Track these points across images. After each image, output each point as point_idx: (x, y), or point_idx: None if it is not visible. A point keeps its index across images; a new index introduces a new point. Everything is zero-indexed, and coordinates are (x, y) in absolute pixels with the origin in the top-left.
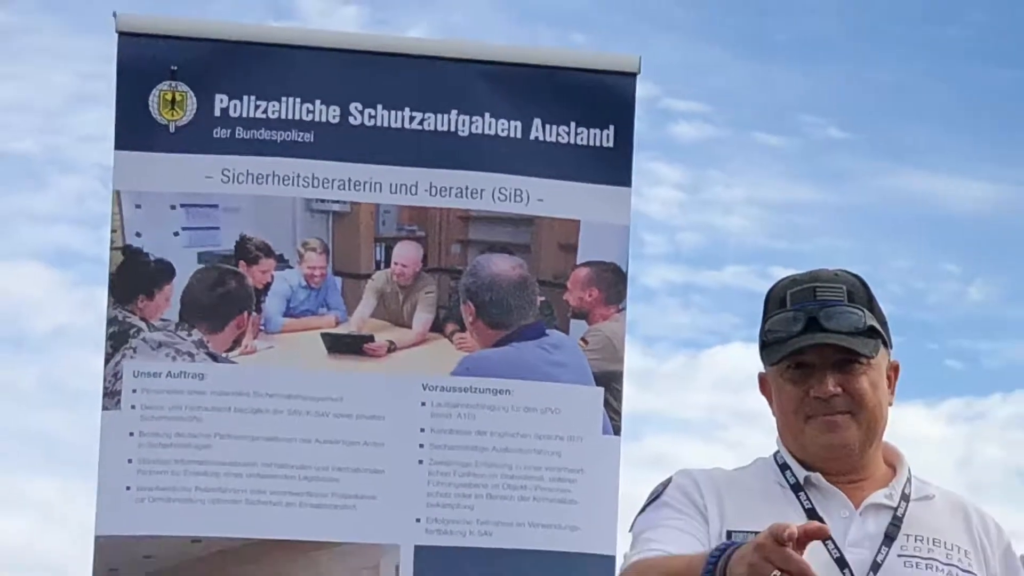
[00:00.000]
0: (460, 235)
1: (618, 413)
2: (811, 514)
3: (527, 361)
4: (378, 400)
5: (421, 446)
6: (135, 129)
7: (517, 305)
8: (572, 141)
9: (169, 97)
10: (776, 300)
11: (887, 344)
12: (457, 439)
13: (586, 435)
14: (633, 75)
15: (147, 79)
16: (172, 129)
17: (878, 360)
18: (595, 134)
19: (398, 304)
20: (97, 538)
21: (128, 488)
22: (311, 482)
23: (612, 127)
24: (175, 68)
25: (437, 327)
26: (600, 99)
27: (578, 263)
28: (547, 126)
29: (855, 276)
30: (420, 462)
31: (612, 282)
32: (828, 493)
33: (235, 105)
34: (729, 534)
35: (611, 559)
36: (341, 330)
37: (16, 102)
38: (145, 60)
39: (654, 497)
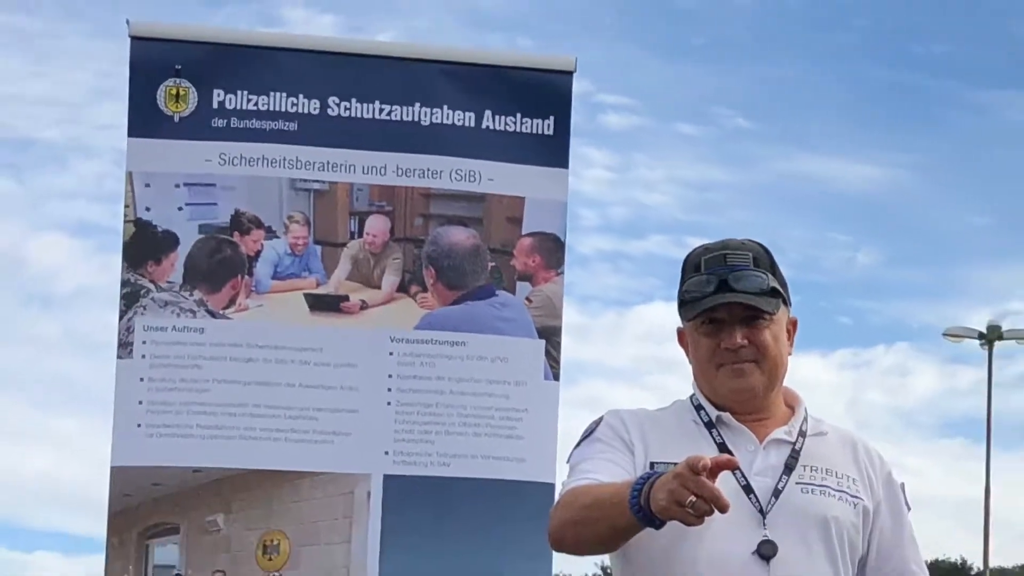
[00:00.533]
0: (422, 210)
1: (557, 362)
2: (722, 448)
3: (480, 317)
4: (352, 350)
5: (389, 390)
6: (145, 119)
7: (471, 270)
8: (518, 129)
9: (174, 92)
10: (692, 265)
11: (787, 303)
12: (420, 384)
13: (530, 380)
14: (570, 73)
15: (155, 76)
16: (176, 119)
17: (779, 316)
18: (537, 123)
19: (369, 268)
20: (112, 468)
21: (139, 425)
22: (295, 420)
23: (552, 117)
24: (179, 67)
25: (403, 288)
26: (541, 93)
27: (523, 234)
28: (496, 117)
29: (760, 244)
30: (388, 403)
31: (552, 250)
32: (736, 430)
33: (230, 99)
34: (652, 465)
35: (551, 486)
36: (321, 291)
37: (43, 97)
38: (153, 60)
39: (588, 433)
